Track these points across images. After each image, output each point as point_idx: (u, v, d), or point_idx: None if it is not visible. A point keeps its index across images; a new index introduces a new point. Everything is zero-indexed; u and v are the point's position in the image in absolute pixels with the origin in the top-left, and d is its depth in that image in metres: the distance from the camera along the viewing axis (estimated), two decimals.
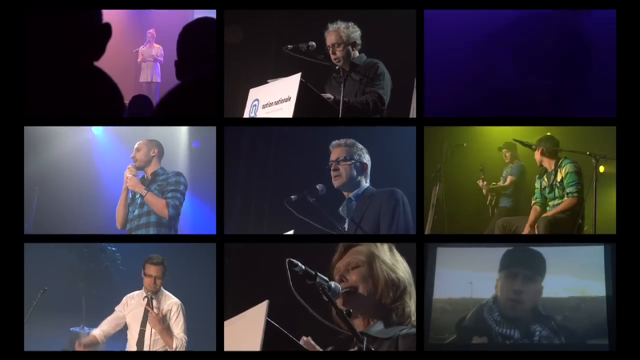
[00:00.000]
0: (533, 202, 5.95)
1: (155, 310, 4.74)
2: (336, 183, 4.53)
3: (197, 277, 5.08)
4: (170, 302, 4.83)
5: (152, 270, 4.83)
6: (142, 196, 5.14)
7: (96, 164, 7.04)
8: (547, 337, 4.68)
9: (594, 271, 4.76)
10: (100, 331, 4.90)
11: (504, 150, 7.18)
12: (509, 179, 7.15)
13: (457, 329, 4.82)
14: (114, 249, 5.24)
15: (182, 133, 7.11)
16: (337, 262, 3.46)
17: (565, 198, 5.70)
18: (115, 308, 4.97)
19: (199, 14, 10.53)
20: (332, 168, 4.53)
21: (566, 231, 5.55)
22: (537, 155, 5.91)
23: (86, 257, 5.18)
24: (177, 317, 4.78)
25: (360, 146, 4.59)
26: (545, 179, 5.88)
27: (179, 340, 4.70)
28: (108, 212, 6.59)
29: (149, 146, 5.36)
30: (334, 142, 4.60)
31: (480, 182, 7.13)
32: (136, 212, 5.21)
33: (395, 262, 3.45)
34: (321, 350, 3.16)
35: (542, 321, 4.72)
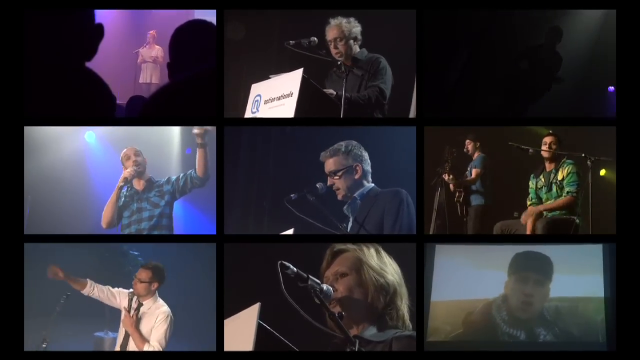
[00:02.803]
0: (529, 203, 5.93)
1: (132, 311, 4.72)
2: (339, 196, 4.49)
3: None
4: (159, 311, 4.74)
5: (140, 272, 4.81)
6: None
7: (89, 172, 7.03)
8: (550, 341, 4.72)
9: (594, 271, 4.78)
10: (93, 285, 4.95)
11: (467, 141, 7.05)
12: (474, 171, 6.97)
13: (464, 323, 4.86)
14: (136, 253, 5.21)
15: (174, 139, 7.10)
16: (326, 270, 3.45)
17: (563, 196, 5.72)
18: (113, 289, 4.97)
19: (199, 15, 10.53)
20: (329, 184, 4.49)
21: (564, 230, 5.54)
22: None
23: (108, 262, 5.14)
24: (159, 325, 4.67)
25: (344, 148, 4.49)
26: (542, 179, 5.88)
27: (151, 348, 4.59)
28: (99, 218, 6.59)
29: (143, 155, 5.40)
30: (322, 155, 4.53)
31: (445, 177, 6.98)
32: (135, 227, 5.21)
33: (383, 266, 3.44)
34: None
35: (547, 326, 4.75)
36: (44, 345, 4.79)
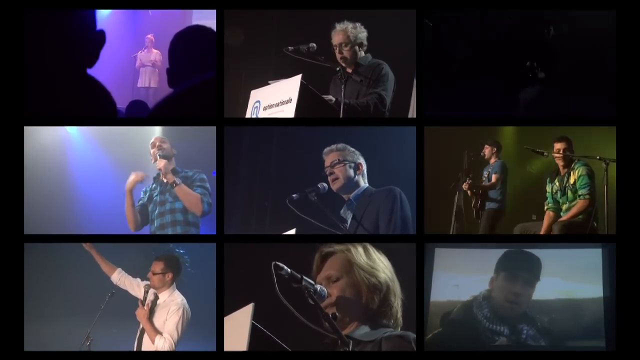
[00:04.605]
0: (546, 207, 6.03)
1: (145, 303, 4.75)
2: (335, 186, 4.58)
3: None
4: (172, 302, 4.77)
5: (154, 264, 4.84)
6: (173, 186, 5.00)
7: (69, 163, 6.93)
8: (533, 336, 4.71)
9: (587, 274, 4.77)
10: (120, 273, 5.04)
11: (487, 147, 7.08)
12: (494, 177, 7.01)
13: (442, 322, 4.81)
14: (182, 251, 5.19)
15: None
16: (317, 274, 3.45)
17: (578, 200, 5.82)
18: (139, 280, 5.00)
19: (197, 15, 10.52)
20: (327, 173, 4.58)
21: (580, 232, 5.66)
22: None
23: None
24: (171, 317, 4.69)
25: (352, 149, 4.65)
26: (557, 183, 5.97)
27: (164, 340, 4.60)
28: (79, 213, 6.51)
29: (171, 143, 5.23)
30: (326, 149, 4.66)
31: (466, 186, 7.04)
32: (157, 210, 5.11)
33: (372, 264, 3.43)
34: None
35: (529, 321, 4.74)
36: (87, 344, 4.78)
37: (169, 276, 4.84)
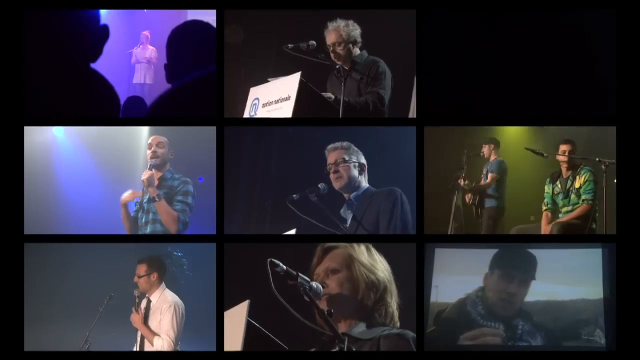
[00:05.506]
0: (544, 208, 6.07)
1: (139, 308, 4.77)
2: (337, 184, 4.58)
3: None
4: (164, 301, 4.78)
5: (137, 269, 4.85)
6: (153, 200, 4.90)
7: (55, 166, 6.88)
8: (529, 331, 4.69)
9: (587, 274, 4.77)
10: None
11: (485, 146, 7.09)
12: (490, 176, 6.98)
13: (435, 321, 4.76)
14: (180, 254, 5.14)
15: (143, 142, 6.94)
16: (317, 266, 3.46)
17: (580, 204, 5.87)
18: None
19: (192, 14, 10.49)
20: (332, 171, 4.58)
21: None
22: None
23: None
24: (164, 316, 4.70)
25: (356, 148, 4.66)
26: (559, 185, 5.99)
27: (162, 340, 4.62)
28: (64, 216, 6.47)
29: (169, 145, 5.10)
30: (330, 146, 4.67)
31: (461, 182, 7.05)
32: (144, 218, 5.03)
33: (373, 263, 3.46)
34: None
35: (524, 316, 4.74)
36: (86, 347, 4.79)
37: (154, 276, 4.85)
